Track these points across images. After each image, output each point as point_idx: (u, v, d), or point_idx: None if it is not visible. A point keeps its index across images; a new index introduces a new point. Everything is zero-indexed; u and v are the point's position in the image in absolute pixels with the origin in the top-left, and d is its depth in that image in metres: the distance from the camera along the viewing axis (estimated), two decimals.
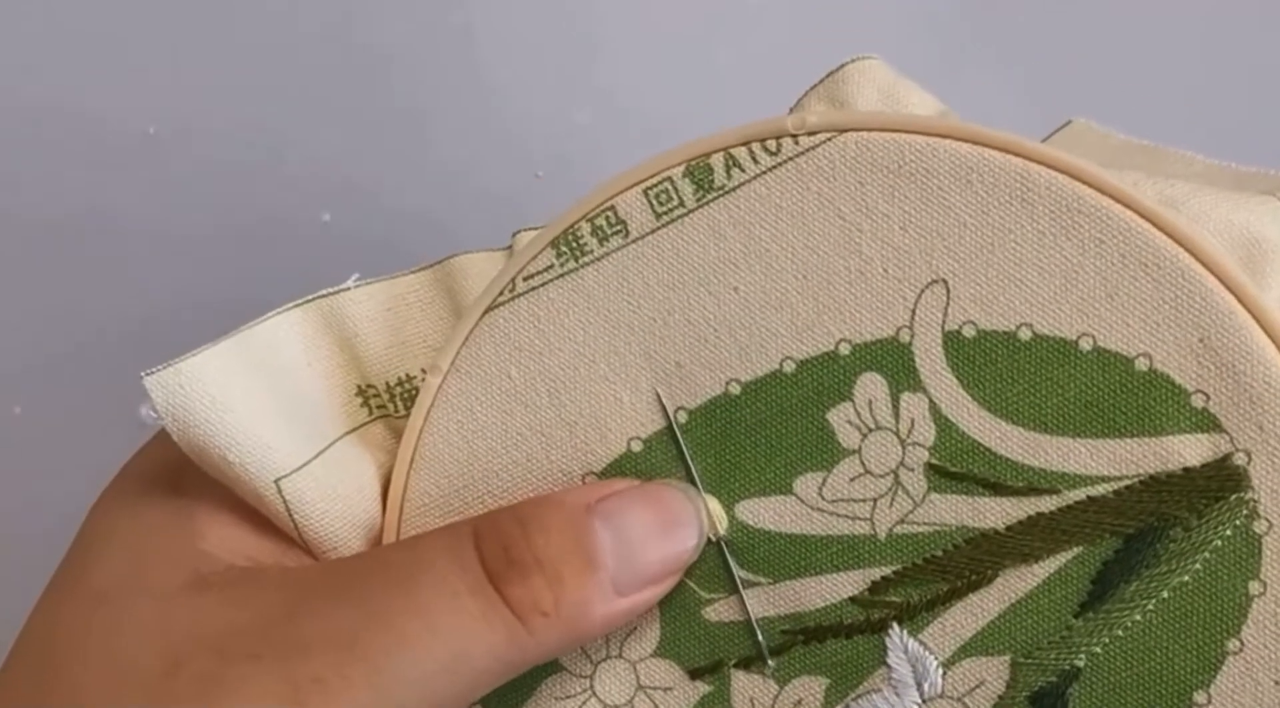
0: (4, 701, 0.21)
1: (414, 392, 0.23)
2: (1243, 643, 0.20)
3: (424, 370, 0.23)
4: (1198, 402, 0.20)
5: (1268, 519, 0.20)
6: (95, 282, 0.36)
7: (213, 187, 0.36)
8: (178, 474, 0.22)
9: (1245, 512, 0.20)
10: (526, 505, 0.21)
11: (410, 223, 0.30)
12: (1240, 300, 0.20)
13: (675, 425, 0.21)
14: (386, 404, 0.23)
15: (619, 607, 0.20)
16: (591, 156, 0.32)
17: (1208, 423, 0.20)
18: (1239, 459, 0.20)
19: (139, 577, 0.21)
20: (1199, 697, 0.20)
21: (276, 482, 0.21)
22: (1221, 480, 0.20)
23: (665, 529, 0.21)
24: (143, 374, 0.21)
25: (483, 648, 0.19)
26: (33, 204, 0.37)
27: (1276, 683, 0.20)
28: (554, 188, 0.35)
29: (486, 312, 0.22)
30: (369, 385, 0.24)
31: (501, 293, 0.22)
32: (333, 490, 0.22)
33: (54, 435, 0.34)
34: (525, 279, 0.22)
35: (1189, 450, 0.20)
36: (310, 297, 0.23)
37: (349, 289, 0.23)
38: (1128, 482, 0.20)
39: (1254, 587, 0.20)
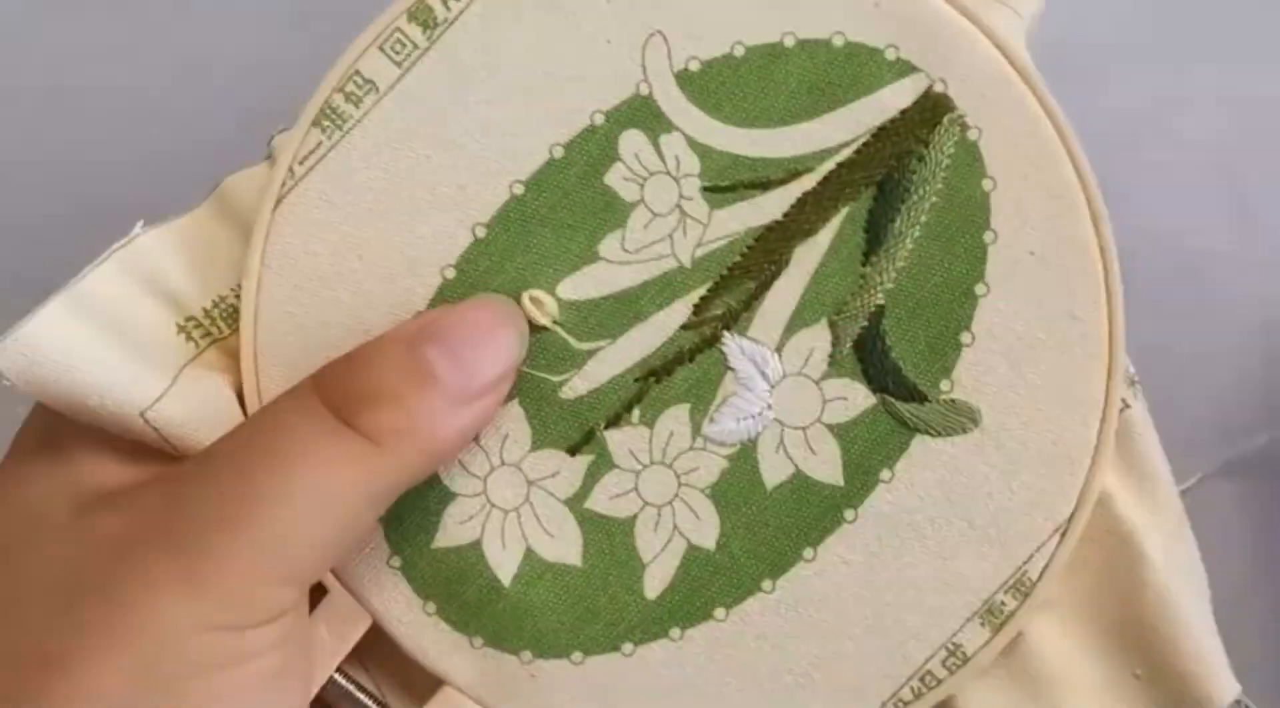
0: None
1: (232, 309, 0.28)
2: (995, 232, 0.26)
3: (234, 289, 0.27)
4: (891, 54, 0.26)
5: (977, 127, 0.26)
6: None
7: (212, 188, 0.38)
8: (54, 430, 0.26)
9: (958, 128, 0.26)
10: (357, 350, 0.25)
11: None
12: None
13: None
14: (210, 330, 0.27)
15: (465, 416, 0.25)
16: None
17: (905, 68, 0.26)
18: (938, 87, 0.26)
19: (28, 529, 0.24)
20: (979, 289, 0.26)
21: (142, 414, 0.25)
22: (931, 109, 0.26)
23: (487, 332, 0.25)
24: None
25: (346, 483, 0.23)
26: (34, 203, 0.42)
27: (1030, 254, 0.26)
28: None
29: (276, 205, 0.27)
30: (188, 318, 0.27)
31: (283, 184, 0.27)
32: (196, 410, 0.26)
33: None
34: (300, 163, 0.27)
35: (899, 96, 0.26)
36: (106, 253, 0.27)
37: (138, 235, 0.27)
38: (862, 139, 0.26)
39: (986, 184, 0.26)
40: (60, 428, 0.26)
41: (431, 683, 0.28)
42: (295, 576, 0.24)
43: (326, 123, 0.27)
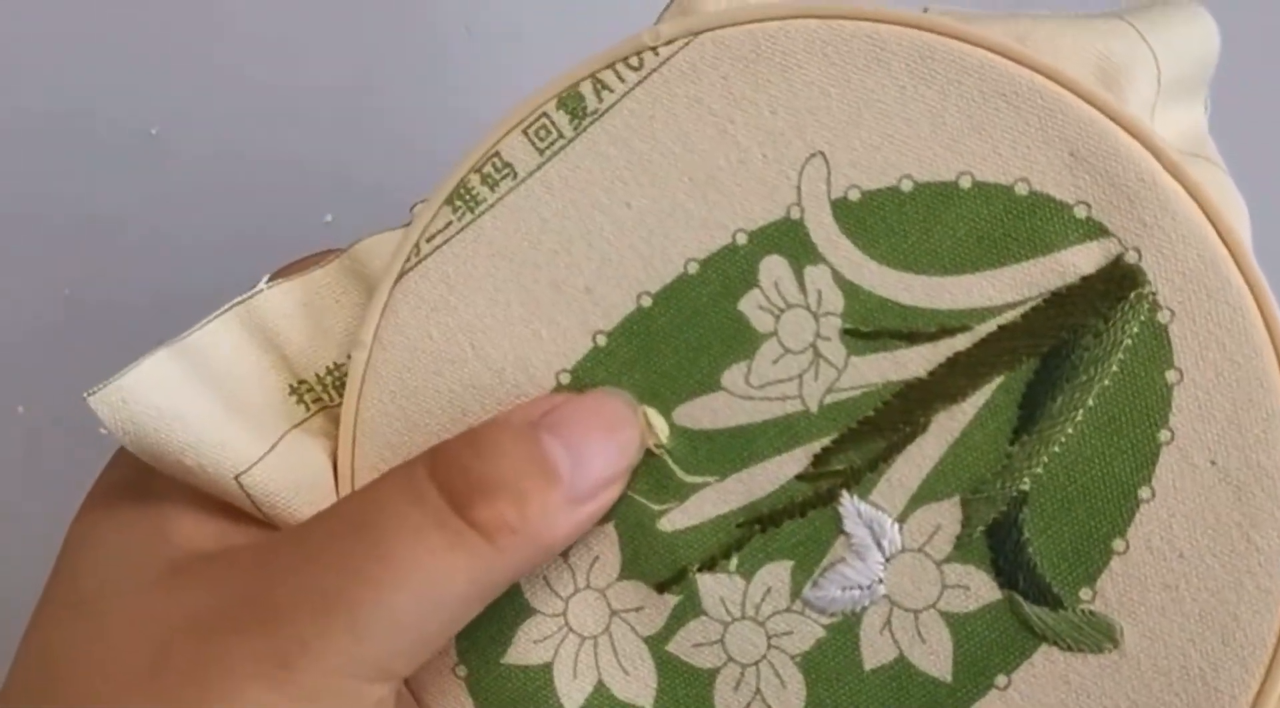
0: None
1: (345, 377, 0.32)
2: (1173, 432, 0.27)
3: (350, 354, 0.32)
4: (1080, 212, 0.27)
5: (1169, 309, 0.27)
6: (97, 281, 0.46)
7: (214, 187, 0.46)
8: (146, 476, 0.29)
9: (1147, 306, 0.27)
10: (476, 430, 0.28)
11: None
12: (1099, 109, 0.27)
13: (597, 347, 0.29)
14: (322, 396, 0.31)
15: (579, 515, 0.27)
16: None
17: (1094, 230, 0.27)
18: (1130, 257, 0.27)
19: (117, 578, 0.28)
20: (1144, 492, 0.27)
21: (237, 478, 0.29)
22: (1118, 281, 0.27)
23: (609, 431, 0.28)
24: (85, 395, 0.29)
25: (453, 577, 0.26)
26: (34, 204, 0.48)
27: (1211, 463, 0.27)
28: None
29: (397, 280, 0.30)
30: (300, 382, 0.31)
31: (408, 259, 0.30)
32: (292, 478, 0.30)
33: (57, 435, 0.44)
34: (428, 240, 0.30)
35: (1082, 259, 0.27)
36: (227, 306, 0.31)
37: (262, 290, 0.32)
38: (1032, 303, 0.27)
39: (1171, 375, 0.27)
40: (153, 478, 0.30)
41: None
42: (388, 671, 0.26)
43: (459, 203, 0.30)
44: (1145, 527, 0.27)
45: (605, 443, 0.28)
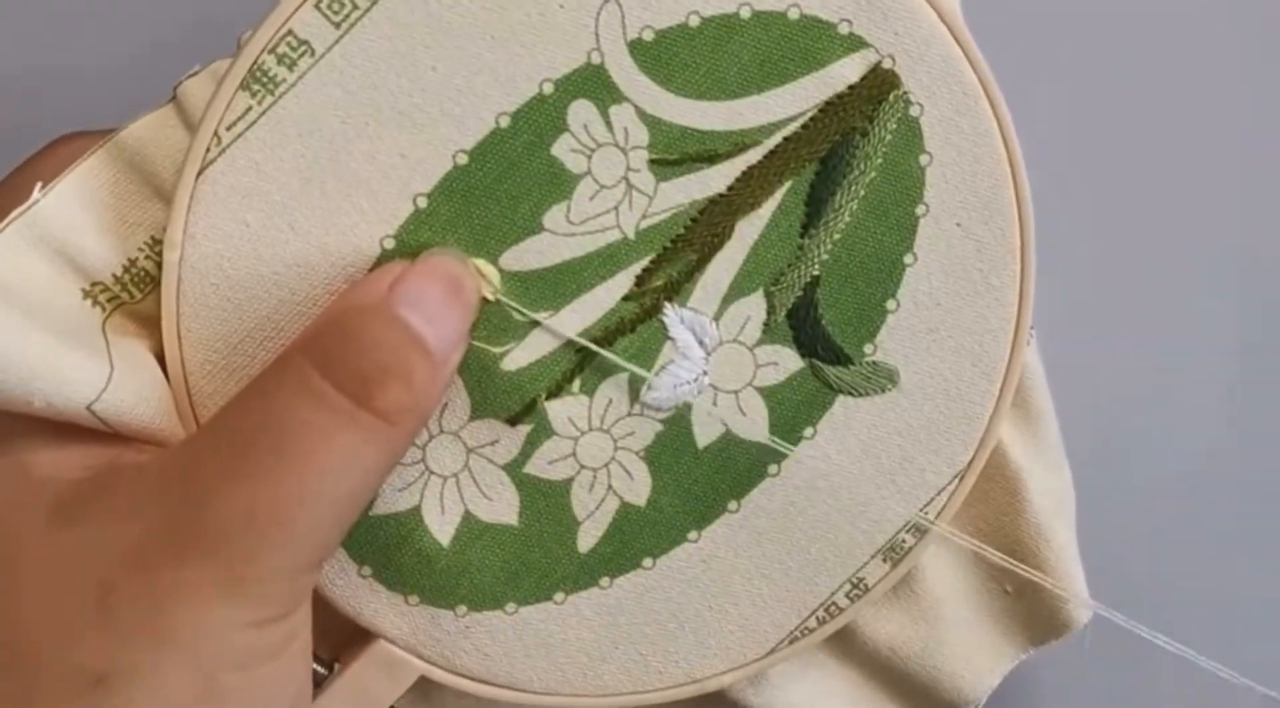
0: None
1: (142, 273, 0.35)
2: (927, 206, 0.36)
3: (143, 247, 0.35)
4: (844, 29, 0.35)
5: (919, 103, 0.36)
6: None
7: None
8: None
9: (902, 104, 0.36)
10: (345, 319, 0.32)
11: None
12: None
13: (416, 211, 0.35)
14: (120, 295, 0.34)
15: (446, 373, 0.33)
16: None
17: (856, 43, 0.35)
18: (886, 63, 0.36)
19: (4, 538, 0.31)
20: (908, 259, 0.36)
21: (89, 408, 0.32)
22: (878, 84, 0.35)
23: (454, 292, 0.33)
24: None
25: (370, 465, 0.31)
26: None
27: (957, 225, 0.37)
28: None
29: (200, 173, 0.34)
30: (94, 284, 0.34)
31: (209, 151, 0.33)
32: (135, 391, 0.33)
33: None
34: (228, 129, 0.33)
35: (848, 70, 0.35)
36: (3, 223, 0.33)
37: (37, 201, 0.34)
38: (810, 113, 0.35)
39: (923, 159, 0.36)
40: None
41: (356, 631, 0.39)
42: (321, 558, 0.32)
43: (256, 87, 0.33)
44: (911, 286, 0.37)
45: (452, 303, 0.33)
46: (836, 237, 0.36)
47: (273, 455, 0.31)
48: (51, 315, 0.32)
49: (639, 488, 0.37)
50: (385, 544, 0.36)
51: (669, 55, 0.34)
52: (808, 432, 0.37)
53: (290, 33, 0.33)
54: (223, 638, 0.30)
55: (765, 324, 0.36)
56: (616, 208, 0.35)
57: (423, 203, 0.34)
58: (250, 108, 0.33)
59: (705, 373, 0.37)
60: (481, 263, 0.35)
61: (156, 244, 0.34)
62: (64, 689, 0.30)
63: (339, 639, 0.38)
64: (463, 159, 0.34)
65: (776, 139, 0.35)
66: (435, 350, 0.33)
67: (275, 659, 0.32)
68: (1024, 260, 0.37)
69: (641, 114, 0.34)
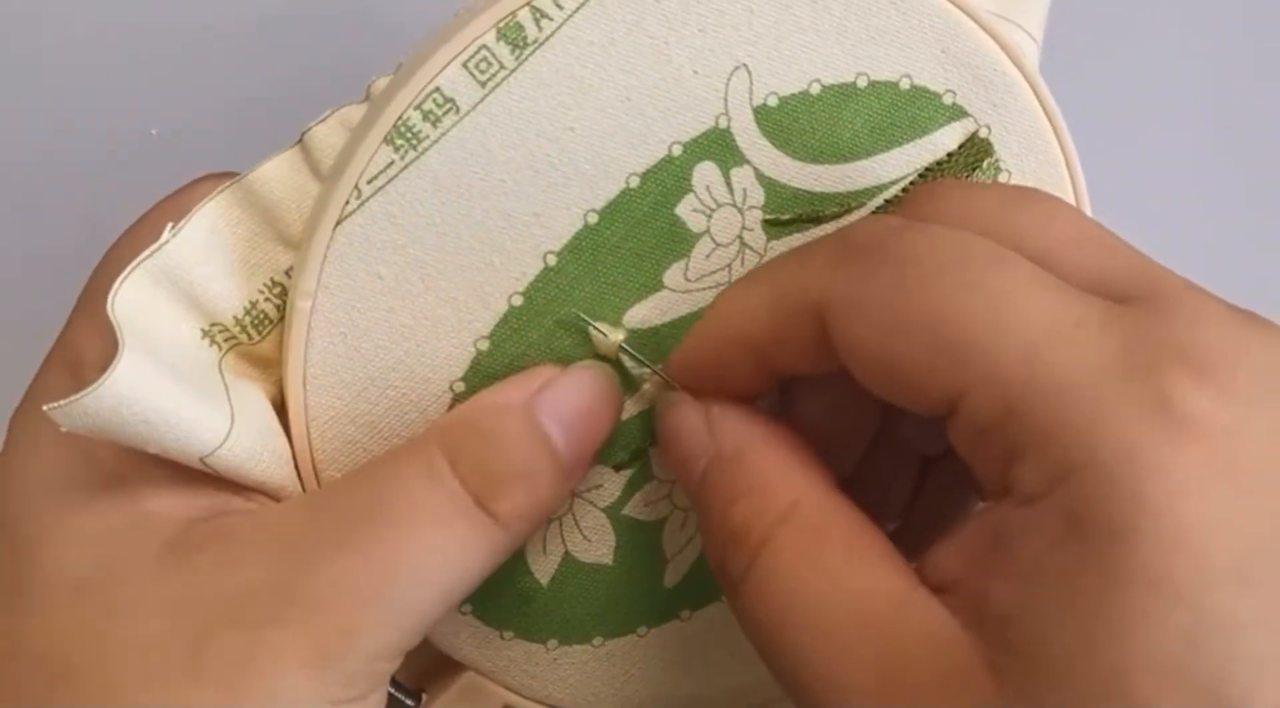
0: None
1: (261, 315, 0.34)
2: None
3: (263, 288, 0.34)
4: (948, 99, 0.37)
5: (1008, 170, 0.38)
6: None
7: None
8: (87, 457, 0.32)
9: (994, 171, 0.37)
10: (482, 418, 0.33)
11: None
12: (963, 11, 0.36)
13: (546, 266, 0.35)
14: (238, 336, 0.34)
15: (568, 487, 0.34)
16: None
17: (958, 113, 0.37)
18: (983, 132, 0.37)
19: (111, 560, 0.31)
20: None
21: (202, 460, 0.32)
22: (974, 152, 0.37)
23: (596, 409, 0.34)
24: (45, 408, 0.30)
25: (475, 563, 0.32)
26: (32, 204, 0.52)
27: None
28: None
29: (338, 224, 0.33)
30: (213, 324, 0.33)
31: (348, 203, 0.33)
32: (251, 444, 0.33)
33: None
34: (369, 182, 0.33)
35: (949, 138, 0.37)
36: (136, 262, 0.32)
37: (166, 241, 0.33)
38: (910, 178, 0.37)
39: None
40: (104, 457, 0.32)
41: (440, 659, 0.39)
42: (410, 646, 0.32)
43: (400, 142, 0.33)
44: None
45: (593, 421, 0.34)
46: None
47: (384, 532, 0.32)
48: (175, 358, 0.32)
49: None
50: (488, 584, 0.36)
51: (789, 120, 0.35)
52: None
53: (437, 89, 0.32)
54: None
55: None
56: (729, 265, 0.36)
57: (552, 260, 0.34)
58: (392, 162, 0.33)
59: None
60: (605, 325, 0.35)
61: (275, 285, 0.34)
62: None
63: (421, 668, 0.38)
64: (593, 218, 0.34)
65: (878, 201, 0.36)
66: (566, 465, 0.33)
67: None
68: None
69: (760, 176, 0.35)
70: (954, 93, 0.36)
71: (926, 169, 0.36)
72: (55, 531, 0.32)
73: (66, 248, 0.40)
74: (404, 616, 0.31)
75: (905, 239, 0.30)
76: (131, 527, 0.32)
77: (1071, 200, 0.38)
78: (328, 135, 0.34)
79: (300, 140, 0.34)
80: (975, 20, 0.36)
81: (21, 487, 0.32)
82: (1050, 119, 0.37)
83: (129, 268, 0.32)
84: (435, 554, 0.31)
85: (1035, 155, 0.37)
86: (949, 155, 0.37)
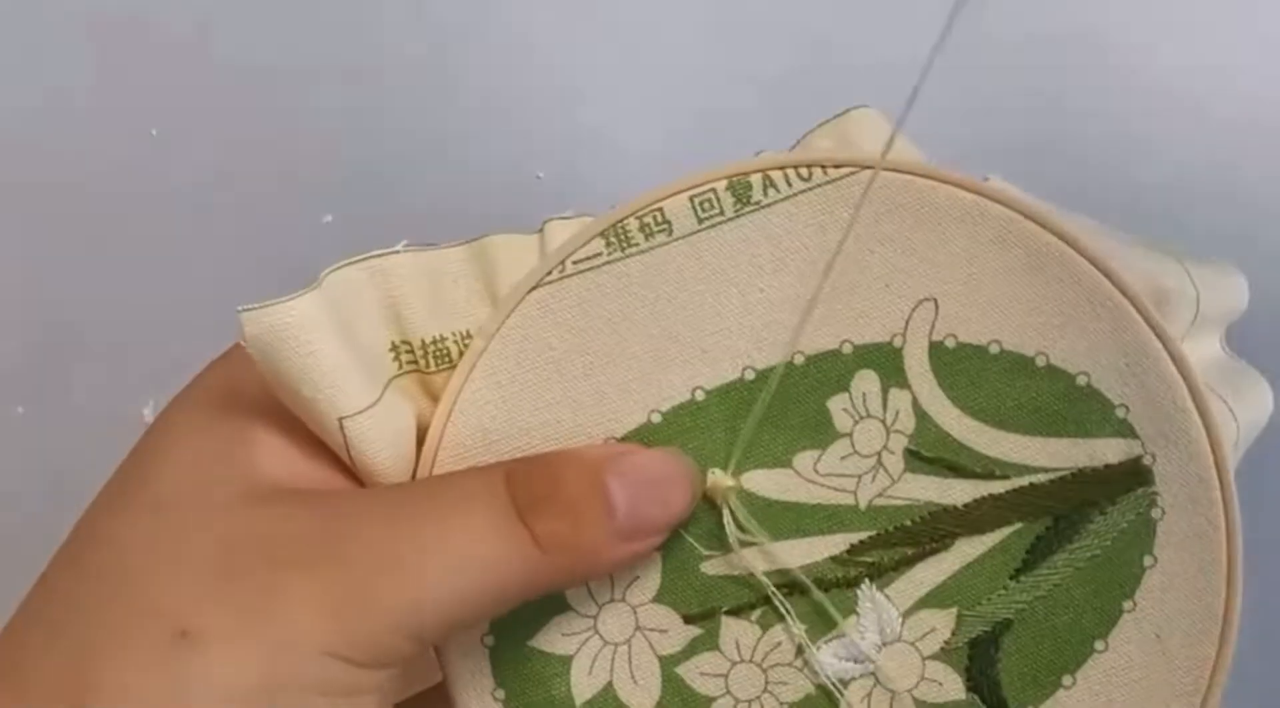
0: (57, 598, 0.34)
1: (444, 351, 0.38)
2: (1135, 603, 0.37)
3: (456, 333, 0.39)
4: (1120, 413, 0.38)
5: (1163, 507, 0.37)
6: (98, 283, 0.51)
7: (214, 189, 0.52)
8: (236, 397, 0.36)
9: (1147, 502, 0.37)
10: (551, 456, 0.36)
11: (412, 224, 0.44)
12: (1157, 336, 0.38)
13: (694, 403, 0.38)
14: (419, 360, 0.38)
15: (621, 551, 0.35)
16: (592, 158, 0.48)
17: (1127, 430, 0.37)
18: (1147, 460, 0.38)
19: (197, 489, 0.34)
20: (1098, 644, 0.37)
21: (340, 420, 0.36)
22: (1133, 476, 0.37)
23: (664, 488, 0.36)
24: (238, 309, 0.35)
25: (504, 571, 0.33)
26: (33, 205, 0.54)
27: (1156, 636, 0.38)
28: (554, 188, 0.52)
29: (535, 288, 0.38)
30: (404, 341, 0.38)
31: (550, 272, 0.38)
32: (386, 433, 0.36)
33: (56, 435, 0.49)
34: (575, 263, 0.38)
35: (1111, 451, 0.37)
36: (365, 255, 0.38)
37: (398, 252, 0.39)
38: (1062, 473, 0.37)
39: (1148, 560, 0.37)
40: (244, 401, 0.36)
41: None
42: (421, 635, 0.33)
43: (614, 240, 0.38)
44: (1092, 671, 0.38)
45: (658, 496, 0.36)
46: (1041, 593, 0.37)
47: (427, 519, 0.34)
48: (360, 345, 0.36)
49: None
50: (526, 676, 0.37)
51: (961, 367, 0.37)
52: None
53: (660, 210, 0.37)
54: (300, 650, 0.32)
55: (946, 643, 0.37)
56: (860, 476, 0.37)
57: (700, 397, 0.37)
58: (600, 254, 0.37)
59: (873, 660, 0.37)
60: (725, 476, 0.37)
61: (468, 337, 0.38)
62: (155, 628, 0.32)
63: None
64: (750, 375, 0.37)
65: (1024, 481, 0.37)
66: (620, 520, 0.35)
67: (347, 699, 0.33)
68: (1209, 689, 0.37)
69: (916, 406, 0.37)
70: (1127, 408, 0.37)
71: (1080, 471, 0.37)
72: (166, 454, 0.36)
73: (67, 248, 0.43)
74: (426, 597, 0.33)
75: None
76: (225, 465, 0.35)
77: (1222, 573, 0.37)
78: (564, 229, 0.38)
79: (540, 229, 0.39)
80: (1166, 347, 0.37)
81: (167, 419, 0.37)
82: (1222, 479, 0.37)
83: (356, 258, 0.37)
84: (467, 546, 0.33)
85: (1195, 506, 0.37)
86: (1106, 466, 0.37)
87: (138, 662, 0.31)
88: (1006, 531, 0.37)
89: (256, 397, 0.36)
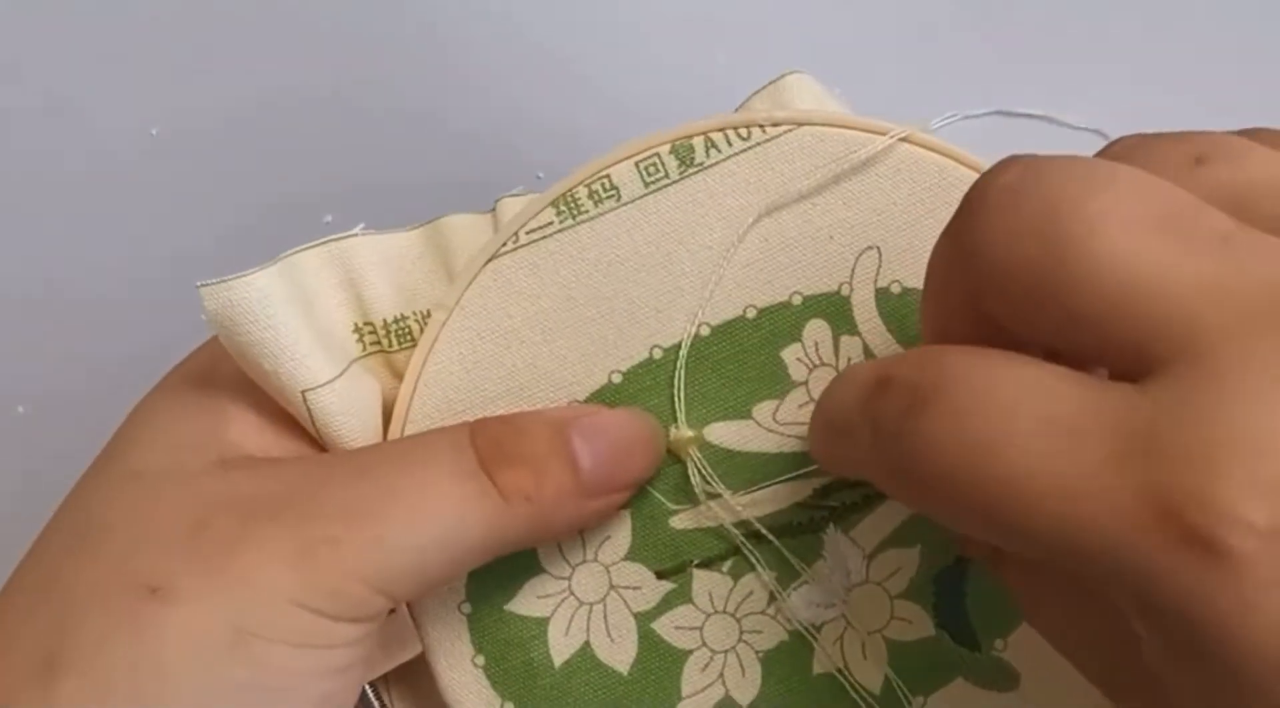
0: (41, 565, 0.34)
1: (406, 329, 0.39)
2: None
3: (416, 312, 0.40)
4: None
5: None
6: (98, 284, 0.52)
7: (214, 187, 0.53)
8: (212, 376, 0.37)
9: None
10: (516, 415, 0.37)
11: (412, 223, 0.45)
12: None
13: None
14: (381, 340, 0.39)
15: (585, 508, 0.36)
16: (591, 157, 0.50)
17: None
18: None
19: (169, 461, 0.35)
20: None
21: (303, 393, 0.37)
22: None
23: (628, 447, 0.37)
24: (198, 285, 0.36)
25: (472, 522, 0.34)
26: (32, 205, 0.56)
27: None
28: None
29: (490, 259, 0.39)
30: (366, 323, 0.39)
31: (505, 244, 0.39)
32: (350, 406, 0.37)
33: (56, 435, 0.49)
34: (527, 233, 0.39)
35: None
36: (324, 240, 0.39)
37: (356, 235, 0.40)
38: None
39: None
40: (220, 379, 0.37)
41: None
42: (391, 589, 0.34)
43: (564, 208, 0.39)
44: None
45: (622, 452, 0.37)
46: None
47: (396, 474, 0.35)
48: (318, 322, 0.37)
49: (746, 688, 0.38)
50: (505, 640, 0.38)
51: (907, 311, 0.38)
52: (918, 700, 0.38)
53: (607, 176, 0.38)
54: (268, 601, 0.33)
55: (913, 580, 0.38)
56: None
57: (658, 354, 0.38)
58: (551, 223, 0.38)
59: (844, 602, 0.38)
60: (688, 430, 0.38)
61: (428, 315, 0.39)
62: (125, 586, 0.33)
63: None
64: (705, 331, 0.38)
65: None
66: (583, 476, 0.36)
67: (317, 651, 0.34)
68: None
69: (867, 351, 0.38)
70: None
71: None
72: (144, 430, 0.37)
73: (67, 248, 0.43)
74: (393, 543, 0.34)
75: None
76: (200, 437, 0.36)
77: None
78: (515, 206, 0.40)
79: (492, 208, 0.40)
80: None
81: (148, 399, 0.38)
82: None
83: (313, 242, 0.38)
84: (432, 495, 0.34)
85: None
86: None
87: (110, 619, 0.32)
88: None
89: (232, 375, 0.37)
